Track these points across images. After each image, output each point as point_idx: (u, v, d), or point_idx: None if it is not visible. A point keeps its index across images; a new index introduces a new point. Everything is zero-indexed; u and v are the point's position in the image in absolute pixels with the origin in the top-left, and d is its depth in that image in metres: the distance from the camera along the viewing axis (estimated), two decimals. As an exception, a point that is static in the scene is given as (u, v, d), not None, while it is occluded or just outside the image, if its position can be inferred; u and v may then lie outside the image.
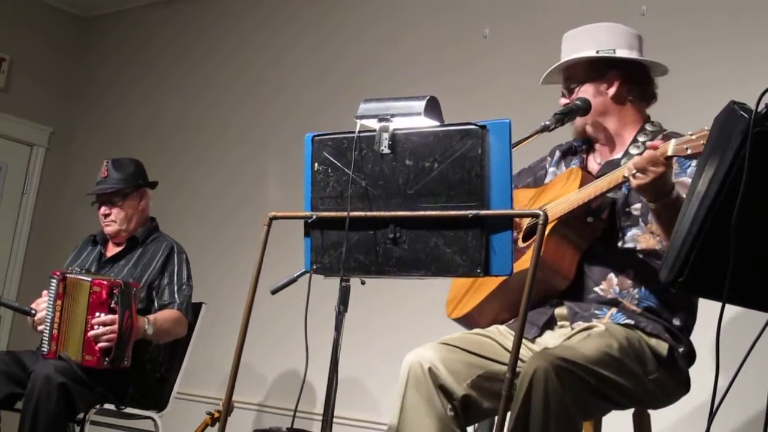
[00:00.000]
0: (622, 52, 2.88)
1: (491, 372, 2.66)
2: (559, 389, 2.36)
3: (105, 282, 3.79)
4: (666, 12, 4.09)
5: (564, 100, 2.94)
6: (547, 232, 2.70)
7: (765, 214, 1.86)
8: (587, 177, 2.81)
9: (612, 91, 2.89)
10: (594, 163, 2.97)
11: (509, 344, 2.63)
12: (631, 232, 2.76)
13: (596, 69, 2.90)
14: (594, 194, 2.68)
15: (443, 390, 2.63)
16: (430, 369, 2.63)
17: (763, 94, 1.81)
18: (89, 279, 3.83)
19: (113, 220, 4.24)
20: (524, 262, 2.58)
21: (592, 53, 2.88)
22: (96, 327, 3.74)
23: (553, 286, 2.76)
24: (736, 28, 3.91)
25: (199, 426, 4.41)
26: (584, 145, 3.02)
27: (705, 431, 1.92)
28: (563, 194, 2.81)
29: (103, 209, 4.26)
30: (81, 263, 4.29)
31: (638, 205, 2.75)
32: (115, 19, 7.04)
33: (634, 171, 2.50)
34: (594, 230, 2.79)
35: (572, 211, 2.71)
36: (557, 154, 3.09)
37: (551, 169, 3.07)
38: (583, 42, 2.91)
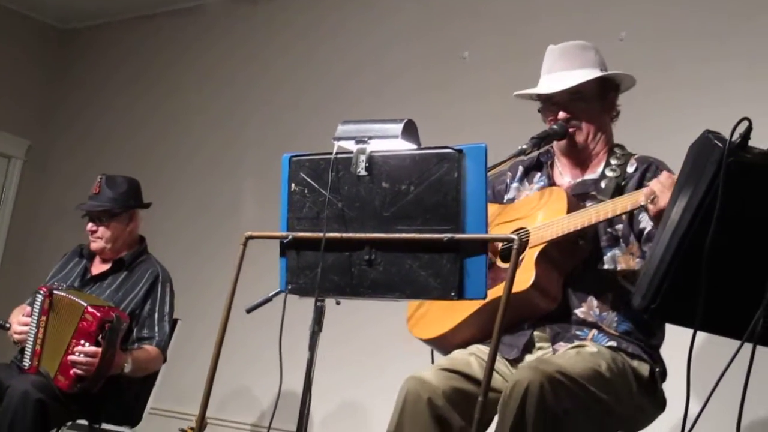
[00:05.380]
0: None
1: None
2: (553, 402, 2.36)
3: (98, 313, 3.70)
4: (644, 38, 4.13)
5: (566, 114, 2.88)
6: (536, 255, 2.70)
7: (737, 243, 1.87)
8: (572, 200, 2.78)
9: (614, 111, 2.93)
10: (561, 179, 2.95)
11: (497, 365, 2.62)
12: (612, 253, 2.76)
13: (604, 87, 2.91)
14: (597, 219, 2.65)
15: (440, 422, 2.58)
16: (429, 399, 2.58)
17: (737, 124, 1.83)
18: (85, 303, 3.74)
19: (99, 237, 4.19)
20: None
21: (597, 72, 2.87)
22: (77, 354, 3.68)
23: (541, 308, 2.74)
24: (712, 53, 3.95)
25: (173, 442, 4.40)
26: (549, 161, 3.01)
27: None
28: (537, 213, 2.79)
29: (90, 225, 4.22)
30: (66, 275, 4.24)
31: (620, 227, 2.76)
32: (95, 33, 7.04)
33: (653, 197, 2.49)
34: (583, 252, 2.78)
35: (567, 235, 2.70)
36: (520, 169, 3.07)
37: (514, 185, 3.05)
38: (581, 59, 2.89)
